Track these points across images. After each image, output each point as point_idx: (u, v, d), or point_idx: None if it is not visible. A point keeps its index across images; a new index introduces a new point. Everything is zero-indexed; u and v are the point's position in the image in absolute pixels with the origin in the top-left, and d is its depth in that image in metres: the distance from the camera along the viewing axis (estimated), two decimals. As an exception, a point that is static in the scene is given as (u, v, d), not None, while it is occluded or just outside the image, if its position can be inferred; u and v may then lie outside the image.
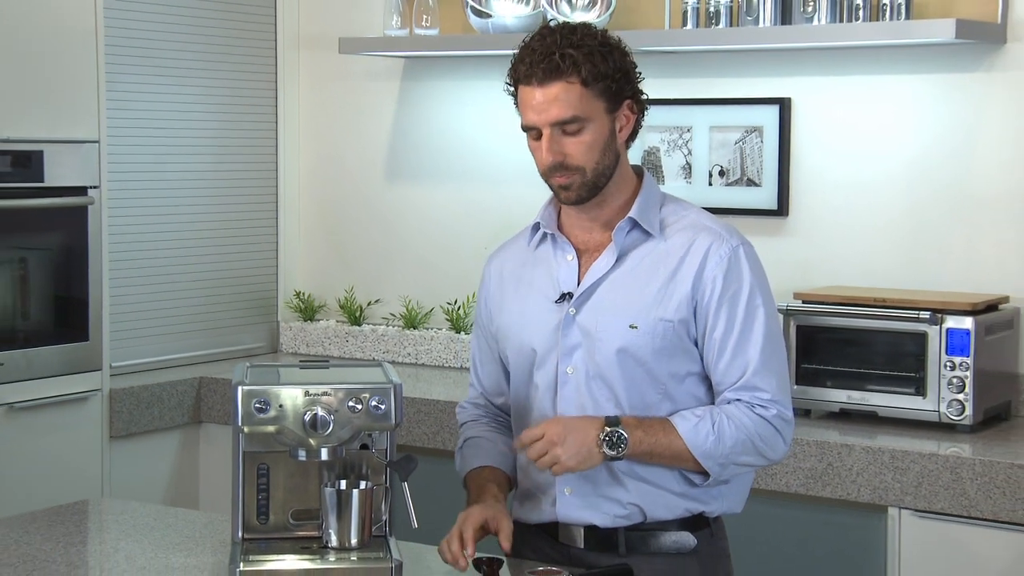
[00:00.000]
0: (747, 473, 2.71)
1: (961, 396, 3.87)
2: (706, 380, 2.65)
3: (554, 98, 2.54)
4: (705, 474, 2.60)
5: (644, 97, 2.67)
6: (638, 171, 2.72)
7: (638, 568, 2.62)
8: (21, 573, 2.62)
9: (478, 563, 2.51)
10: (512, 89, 2.64)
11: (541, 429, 2.54)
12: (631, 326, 2.60)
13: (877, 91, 4.36)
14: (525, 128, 2.60)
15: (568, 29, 2.59)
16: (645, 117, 2.69)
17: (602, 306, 2.63)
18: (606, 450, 2.53)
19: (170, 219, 4.96)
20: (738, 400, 2.59)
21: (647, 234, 2.65)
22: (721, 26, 4.39)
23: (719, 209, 4.36)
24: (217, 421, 4.76)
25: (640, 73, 2.65)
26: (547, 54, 2.54)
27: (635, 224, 2.65)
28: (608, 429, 2.53)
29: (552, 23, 2.65)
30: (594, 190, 2.62)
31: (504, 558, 2.59)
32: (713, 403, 2.64)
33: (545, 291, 2.69)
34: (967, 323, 3.88)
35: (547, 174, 2.61)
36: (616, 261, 2.64)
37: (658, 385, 2.61)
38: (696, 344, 2.62)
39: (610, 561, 2.63)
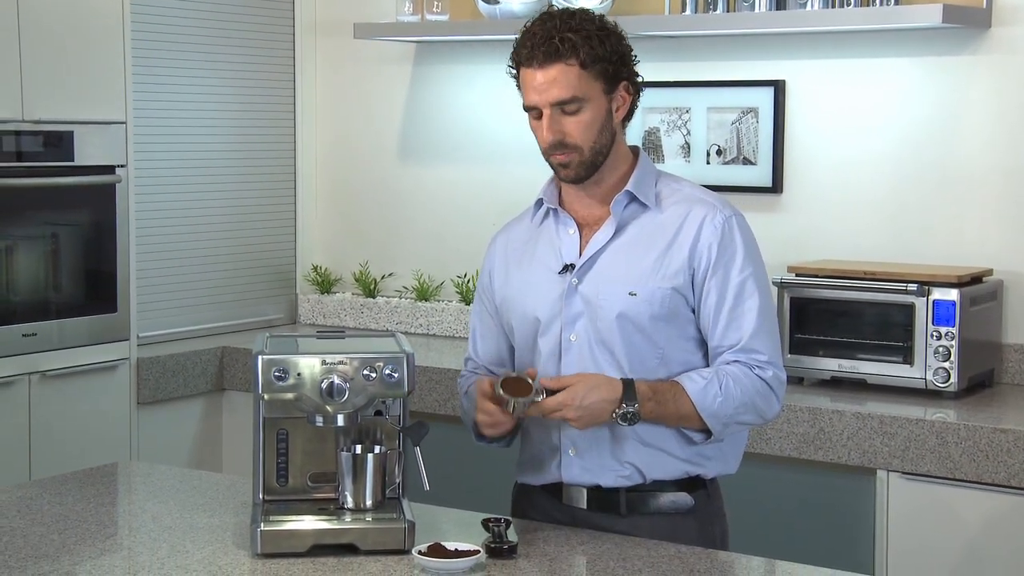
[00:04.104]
0: (741, 436, 2.72)
1: (947, 364, 3.87)
2: (701, 346, 2.65)
3: (553, 79, 2.55)
4: (706, 432, 2.60)
5: (640, 80, 2.66)
6: (634, 150, 2.72)
7: (639, 527, 2.63)
8: (54, 532, 2.63)
9: (486, 523, 2.52)
10: (514, 71, 2.64)
11: (559, 403, 2.52)
12: (630, 293, 2.60)
13: (867, 74, 4.34)
14: (527, 108, 2.61)
15: (567, 14, 2.60)
16: (641, 98, 2.68)
17: (602, 275, 2.63)
18: (618, 422, 2.54)
19: (194, 196, 4.96)
20: (737, 362, 2.59)
21: (644, 206, 2.65)
22: (718, 12, 4.37)
23: (716, 187, 4.32)
24: (239, 389, 4.77)
25: (636, 56, 2.65)
26: (547, 38, 2.55)
27: (632, 197, 2.65)
28: (624, 408, 2.52)
29: (553, 9, 2.65)
30: (592, 168, 2.62)
31: (511, 519, 2.59)
32: (707, 367, 2.64)
33: (548, 263, 2.69)
34: (952, 295, 3.88)
35: (547, 152, 2.61)
36: (615, 233, 2.64)
37: (656, 350, 2.61)
38: (693, 312, 2.63)
39: (612, 522, 2.64)
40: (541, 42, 2.55)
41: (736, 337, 2.59)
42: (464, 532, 2.58)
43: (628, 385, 2.54)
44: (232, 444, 4.79)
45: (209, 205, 5.01)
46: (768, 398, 2.61)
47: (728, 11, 4.37)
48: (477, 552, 2.41)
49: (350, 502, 2.55)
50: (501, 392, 2.52)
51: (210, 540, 2.57)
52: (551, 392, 2.54)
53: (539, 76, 2.56)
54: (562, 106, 2.56)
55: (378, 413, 2.61)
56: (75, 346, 4.32)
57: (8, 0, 4.08)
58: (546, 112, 2.57)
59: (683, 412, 2.57)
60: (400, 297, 5.17)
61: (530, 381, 2.55)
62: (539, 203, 2.74)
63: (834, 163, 4.40)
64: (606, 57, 2.57)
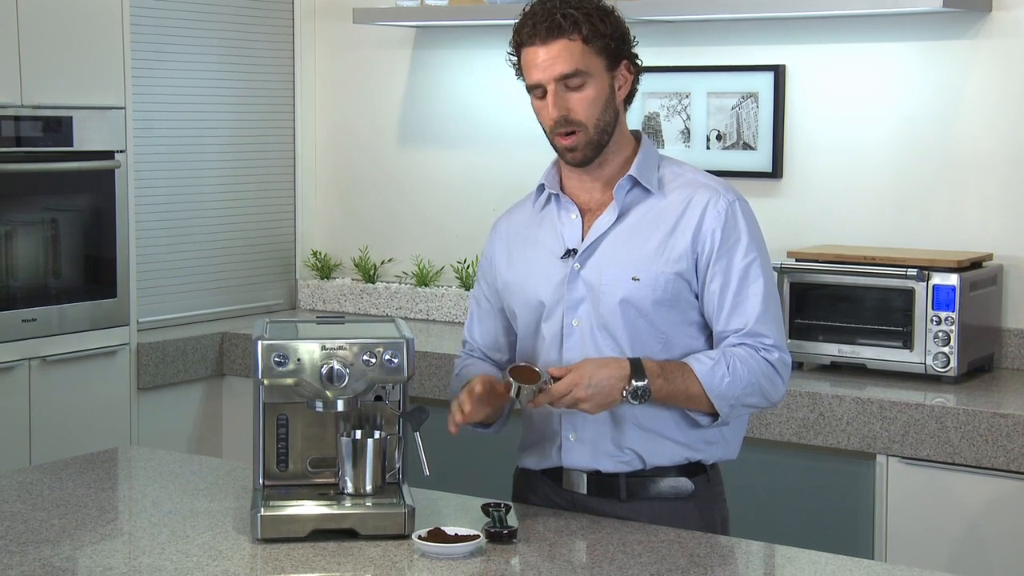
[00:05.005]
0: (742, 421, 2.72)
1: (946, 349, 3.87)
2: (704, 331, 2.65)
3: (557, 54, 2.55)
4: (712, 415, 2.59)
5: (639, 62, 2.66)
6: (636, 135, 2.71)
7: (639, 512, 2.63)
8: (55, 516, 2.63)
9: (486, 508, 2.52)
10: (515, 57, 2.64)
11: (568, 385, 2.50)
12: (633, 278, 2.60)
13: (868, 58, 4.34)
14: (530, 88, 2.60)
15: None
16: (640, 82, 2.68)
17: (605, 260, 2.62)
18: (629, 400, 2.53)
19: (194, 182, 4.96)
20: (743, 344, 2.59)
21: (647, 191, 2.65)
22: (718, -4, 4.37)
23: (716, 172, 4.31)
24: (239, 374, 4.77)
25: (635, 39, 2.65)
26: (548, 15, 2.56)
27: (635, 182, 2.65)
28: (634, 384, 2.51)
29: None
30: (598, 148, 2.61)
31: (511, 504, 2.60)
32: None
33: (551, 248, 2.68)
34: (952, 279, 3.87)
35: (552, 133, 2.60)
36: (618, 218, 2.64)
37: (658, 335, 2.61)
38: (696, 297, 2.62)
39: (612, 507, 2.64)
40: (543, 19, 2.55)
41: (741, 322, 2.59)
42: (464, 517, 2.58)
43: (635, 363, 2.54)
44: (232, 429, 4.79)
45: (208, 190, 5.01)
46: (774, 381, 2.60)
47: (728, -5, 4.36)
48: (477, 537, 2.41)
49: (350, 487, 2.55)
50: (509, 379, 2.52)
51: (210, 525, 2.58)
52: (559, 380, 2.53)
53: (542, 53, 2.56)
54: (566, 80, 2.56)
55: (378, 398, 2.61)
56: (75, 331, 4.32)
57: (7, -15, 4.08)
58: (551, 88, 2.56)
59: (691, 392, 2.55)
60: (400, 282, 5.17)
61: (537, 369, 2.54)
62: (541, 188, 2.74)
63: (834, 148, 4.39)
64: (607, 34, 2.58)
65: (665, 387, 2.54)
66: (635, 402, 2.52)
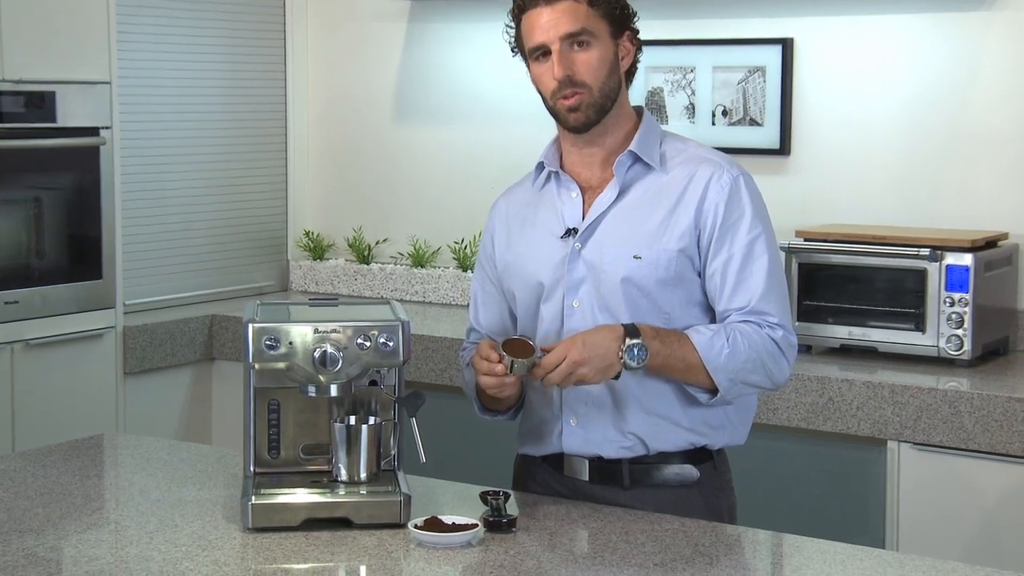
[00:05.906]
0: (750, 404, 2.70)
1: (960, 331, 3.86)
2: (708, 312, 2.63)
3: (562, 13, 2.56)
4: (712, 392, 2.57)
5: (639, 38, 2.67)
6: (638, 110, 2.71)
7: (643, 500, 2.62)
8: (39, 505, 2.63)
9: (484, 496, 2.50)
10: (513, 29, 2.63)
11: (562, 351, 2.49)
12: (635, 256, 2.59)
13: (878, 31, 4.33)
14: (532, 51, 2.59)
15: None
16: (641, 57, 2.68)
17: (606, 239, 2.61)
18: (627, 361, 2.50)
19: (182, 159, 4.96)
20: (747, 321, 2.57)
21: (648, 167, 2.64)
22: (724, -33, 4.35)
23: (722, 149, 4.31)
24: (229, 358, 4.77)
25: (636, 14, 2.65)
26: None
27: (636, 158, 2.64)
28: (629, 342, 2.49)
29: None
30: (601, 112, 2.60)
31: (511, 492, 2.58)
32: None
33: (551, 227, 2.67)
34: (966, 259, 3.86)
35: (555, 95, 2.59)
36: (619, 195, 2.63)
37: (661, 315, 2.60)
38: (699, 275, 2.61)
39: (615, 495, 2.63)
40: None
41: (745, 299, 2.58)
42: (462, 505, 2.58)
43: (629, 326, 2.52)
44: (222, 415, 4.80)
45: (197, 168, 5.01)
46: (778, 359, 2.58)
47: (734, -34, 4.34)
48: (475, 526, 2.41)
49: (344, 475, 2.55)
50: (503, 352, 2.51)
51: (200, 514, 2.57)
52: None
53: (546, 14, 2.56)
54: (572, 39, 2.55)
55: (373, 383, 2.61)
56: (59, 314, 4.32)
57: (-13, -45, 4.06)
58: (555, 48, 2.56)
59: (689, 360, 2.53)
60: (395, 263, 5.17)
61: (532, 343, 2.53)
62: (540, 167, 2.73)
63: (844, 124, 4.39)
64: (611, 1, 2.58)
65: (662, 351, 2.52)
66: (634, 364, 2.49)
